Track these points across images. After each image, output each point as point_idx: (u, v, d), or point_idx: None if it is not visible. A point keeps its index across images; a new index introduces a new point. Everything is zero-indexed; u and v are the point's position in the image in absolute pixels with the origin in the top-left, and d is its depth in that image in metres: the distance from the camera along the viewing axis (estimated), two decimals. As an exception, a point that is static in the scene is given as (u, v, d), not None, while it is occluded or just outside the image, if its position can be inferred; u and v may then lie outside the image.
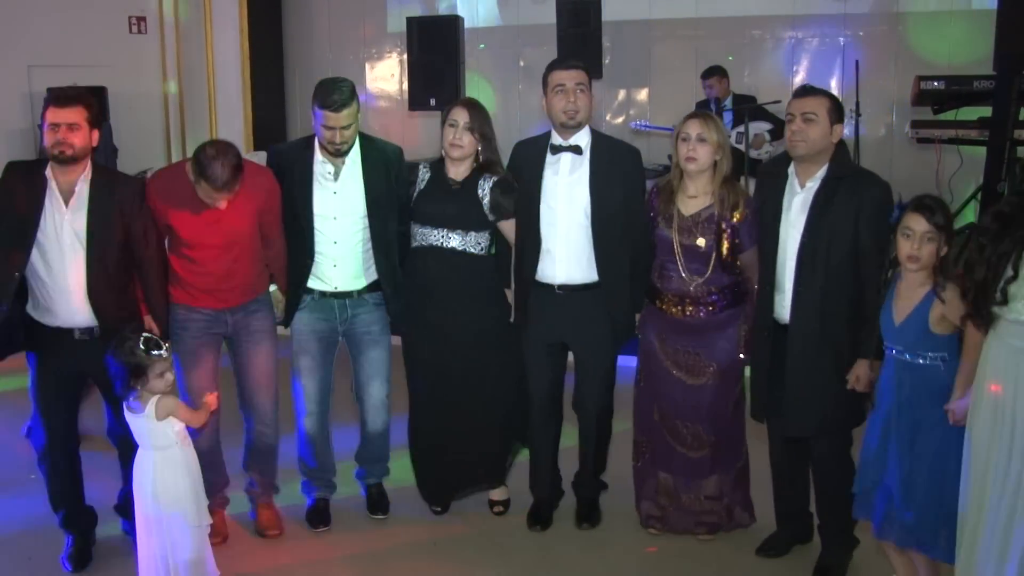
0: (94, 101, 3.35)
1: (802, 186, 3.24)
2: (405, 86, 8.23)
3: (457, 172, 3.63)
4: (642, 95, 8.64)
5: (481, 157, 3.61)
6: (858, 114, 7.34)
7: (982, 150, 6.37)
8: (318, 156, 3.58)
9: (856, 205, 3.12)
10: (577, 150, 3.55)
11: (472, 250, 3.61)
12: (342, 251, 3.60)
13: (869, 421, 3.08)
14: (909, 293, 2.93)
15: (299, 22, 9.37)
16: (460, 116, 3.57)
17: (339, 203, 3.57)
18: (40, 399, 3.41)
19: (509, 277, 3.74)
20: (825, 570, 3.39)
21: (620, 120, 8.60)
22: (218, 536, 3.60)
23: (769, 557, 3.53)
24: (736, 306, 3.49)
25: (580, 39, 7.42)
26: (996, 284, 2.60)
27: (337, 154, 3.54)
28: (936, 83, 6.81)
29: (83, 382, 3.50)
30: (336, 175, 3.57)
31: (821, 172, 3.21)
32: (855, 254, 3.14)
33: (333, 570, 3.55)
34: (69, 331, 3.33)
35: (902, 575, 3.15)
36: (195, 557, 3.07)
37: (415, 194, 3.65)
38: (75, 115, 3.24)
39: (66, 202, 3.28)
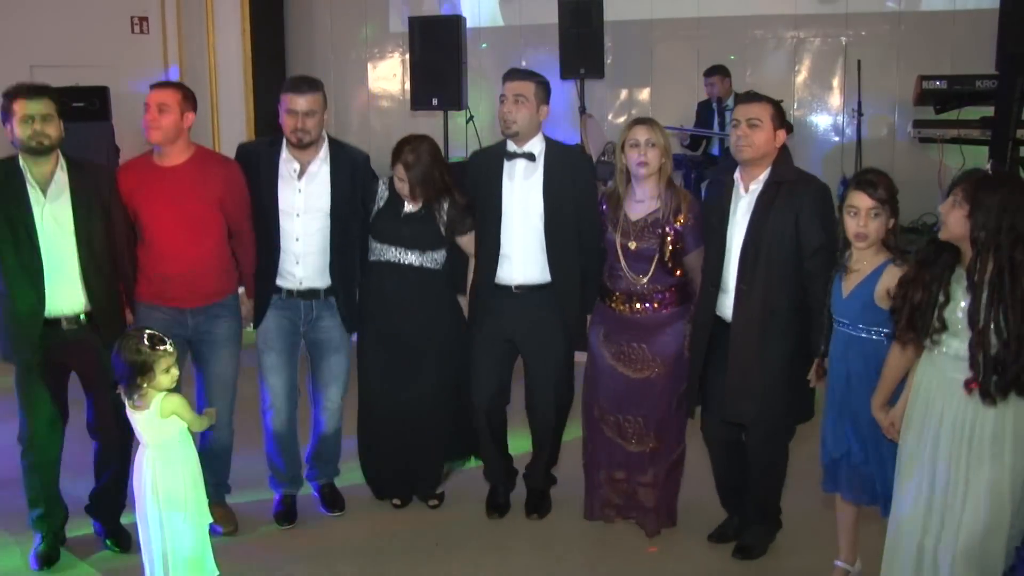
0: (57, 93, 3.38)
1: (746, 190, 3.34)
2: (407, 86, 8.24)
3: (413, 202, 3.70)
4: (644, 95, 8.65)
5: (436, 183, 3.65)
6: (860, 114, 7.35)
7: (984, 150, 6.37)
8: (284, 154, 3.66)
9: (796, 207, 3.22)
10: (530, 157, 3.65)
11: (429, 266, 3.71)
12: (304, 248, 3.65)
13: (826, 396, 3.16)
14: (859, 267, 3.00)
15: (301, 22, 9.39)
16: (401, 174, 3.63)
17: (303, 200, 3.63)
18: (24, 393, 3.41)
19: (462, 285, 3.82)
20: (746, 549, 3.51)
21: (622, 120, 8.61)
22: (230, 525, 3.72)
23: (721, 543, 3.61)
24: (682, 304, 3.59)
25: (582, 39, 7.44)
26: (932, 310, 2.64)
27: (300, 145, 3.59)
28: (938, 83, 6.81)
29: (67, 375, 3.50)
30: (300, 173, 3.63)
31: (764, 175, 3.31)
32: (796, 252, 3.23)
33: (336, 566, 3.55)
34: (56, 320, 3.35)
35: (846, 537, 3.25)
36: (195, 555, 3.06)
37: (374, 211, 3.73)
38: (47, 106, 3.28)
39: (43, 192, 3.30)
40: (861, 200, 2.95)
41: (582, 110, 7.57)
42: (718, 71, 7.50)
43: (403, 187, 3.65)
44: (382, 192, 3.75)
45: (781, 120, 3.33)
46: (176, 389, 3.07)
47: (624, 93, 8.69)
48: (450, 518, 3.90)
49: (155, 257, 3.49)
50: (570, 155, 3.76)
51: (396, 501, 3.97)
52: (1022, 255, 2.49)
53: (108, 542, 3.63)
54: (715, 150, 7.69)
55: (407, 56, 7.99)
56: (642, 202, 3.54)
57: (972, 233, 2.54)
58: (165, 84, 3.56)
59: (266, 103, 8.91)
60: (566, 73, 7.59)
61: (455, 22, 7.54)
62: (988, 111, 6.54)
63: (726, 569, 3.49)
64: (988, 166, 2.67)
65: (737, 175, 3.38)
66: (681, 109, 7.94)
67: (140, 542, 3.09)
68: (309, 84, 3.61)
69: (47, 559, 3.50)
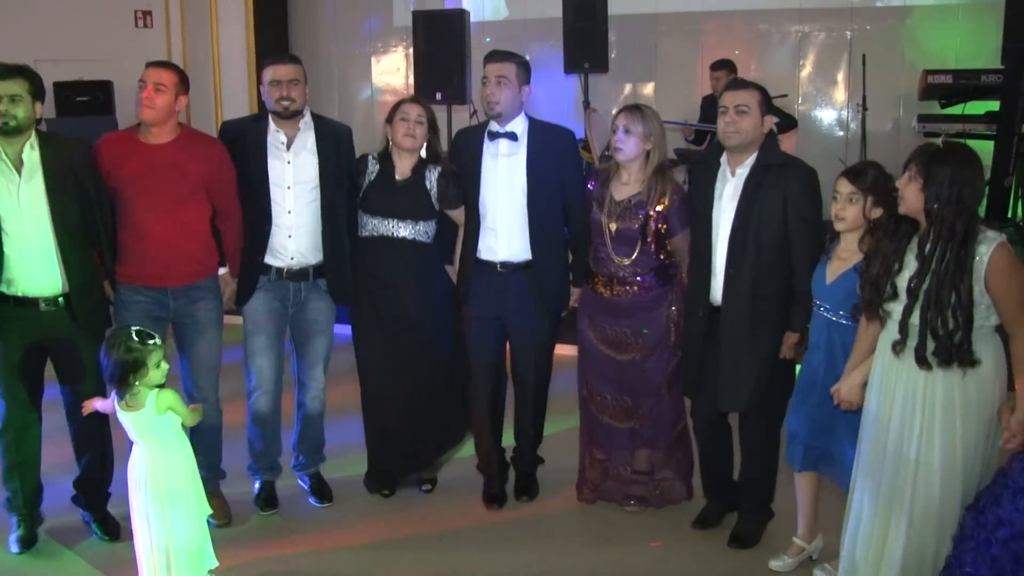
0: (37, 75, 3.36)
1: (733, 174, 3.39)
2: (411, 80, 8.23)
3: (404, 166, 3.76)
4: (648, 89, 8.63)
5: (427, 150, 3.77)
6: (865, 108, 7.33)
7: (989, 144, 6.36)
8: (271, 126, 3.69)
9: (783, 190, 3.28)
10: (512, 136, 3.72)
11: (420, 239, 3.76)
12: (296, 221, 3.68)
13: (801, 367, 3.27)
14: (844, 255, 3.10)
15: (304, 15, 9.38)
16: (412, 110, 3.74)
17: (293, 172, 3.67)
18: (2, 372, 3.41)
19: (451, 254, 3.88)
20: (741, 537, 3.56)
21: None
22: (224, 517, 3.71)
23: (705, 529, 3.67)
24: (664, 286, 3.65)
25: (586, 33, 7.42)
26: (888, 279, 2.73)
27: (285, 114, 3.63)
28: (944, 77, 6.80)
29: (44, 359, 3.50)
30: (288, 144, 3.67)
31: (751, 160, 3.37)
32: (785, 237, 3.29)
33: (339, 560, 3.55)
34: (34, 301, 3.34)
35: (805, 515, 3.38)
36: (195, 547, 3.06)
37: (364, 185, 3.77)
38: (17, 87, 3.26)
39: (17, 171, 3.29)
40: (843, 186, 3.08)
41: (586, 104, 7.55)
42: (724, 65, 7.48)
43: (405, 126, 3.69)
44: (372, 167, 3.79)
45: (768, 107, 3.40)
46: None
47: (628, 87, 8.67)
48: (450, 511, 3.91)
49: (135, 234, 3.49)
50: (554, 133, 3.80)
51: (385, 491, 4.00)
52: (963, 227, 2.60)
53: (97, 530, 3.64)
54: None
55: (411, 50, 7.98)
56: (627, 184, 3.63)
57: (926, 205, 2.64)
58: (164, 64, 3.56)
59: (270, 97, 8.91)
60: (570, 67, 7.58)
61: (459, 16, 7.53)
62: (993, 105, 6.53)
63: (727, 561, 3.50)
64: (940, 140, 2.74)
65: (724, 159, 3.43)
66: (685, 103, 7.93)
67: (135, 538, 3.08)
68: (290, 56, 3.78)
69: (26, 542, 3.52)
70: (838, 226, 3.09)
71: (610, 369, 3.72)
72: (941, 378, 2.67)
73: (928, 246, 2.64)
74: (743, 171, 3.35)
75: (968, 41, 7.47)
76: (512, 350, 3.90)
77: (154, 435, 3.01)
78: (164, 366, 2.99)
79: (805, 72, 8.17)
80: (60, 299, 3.37)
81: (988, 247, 2.60)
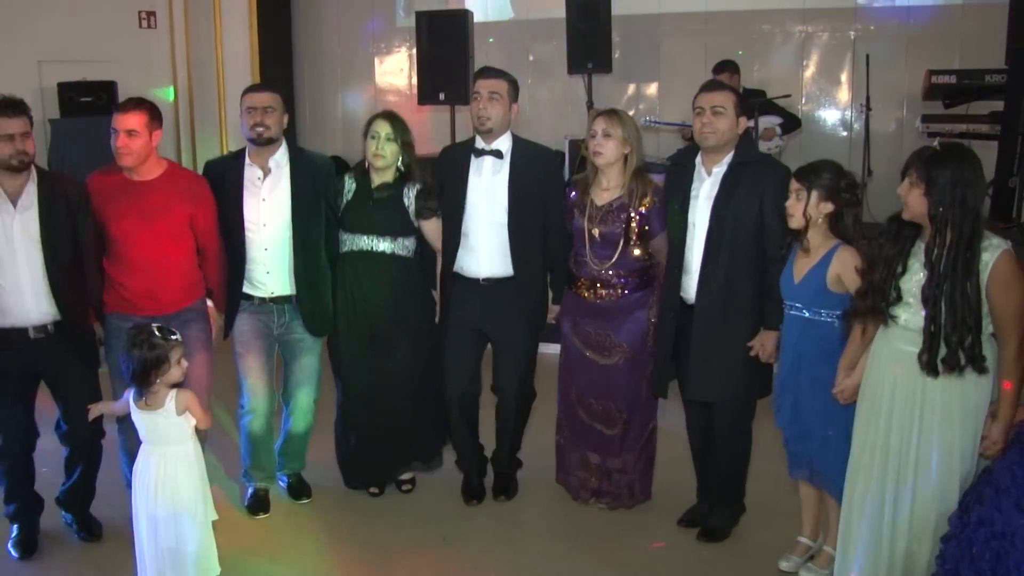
0: (29, 108, 3.41)
1: (708, 173, 3.44)
2: (414, 80, 8.23)
3: (382, 181, 3.78)
4: (651, 89, 8.63)
5: (403, 164, 3.77)
6: (868, 108, 7.31)
7: (993, 145, 6.35)
8: (247, 162, 3.72)
9: (759, 189, 3.33)
10: (498, 154, 3.75)
11: (401, 253, 3.78)
12: (273, 257, 3.71)
13: (777, 368, 3.31)
14: (810, 252, 3.12)
15: (308, 16, 9.39)
16: (381, 128, 3.74)
17: (268, 210, 3.69)
18: None
19: (434, 278, 3.91)
20: (711, 532, 3.61)
21: (630, 115, 8.58)
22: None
23: (690, 527, 3.69)
24: (645, 289, 3.68)
25: (589, 33, 7.41)
26: (891, 282, 2.73)
27: (260, 141, 3.66)
28: (947, 77, 6.78)
29: (37, 381, 3.53)
30: (263, 179, 3.68)
31: (726, 159, 3.41)
32: (760, 235, 3.34)
33: (339, 561, 3.56)
34: (23, 330, 3.36)
35: (809, 514, 3.40)
36: (201, 551, 3.06)
37: (342, 204, 3.79)
38: (24, 125, 3.30)
39: (13, 203, 3.32)
40: (792, 183, 3.14)
41: (589, 105, 7.54)
42: (727, 67, 7.45)
43: (374, 144, 3.70)
44: (349, 185, 3.80)
45: (743, 108, 3.44)
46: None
47: (632, 88, 8.66)
48: (450, 511, 3.92)
49: (123, 270, 3.52)
50: (536, 152, 3.85)
51: (374, 490, 4.03)
52: (970, 228, 2.58)
53: (79, 531, 3.67)
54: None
55: (414, 51, 7.98)
56: (607, 190, 3.67)
57: (930, 211, 2.63)
58: (130, 107, 3.51)
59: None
60: (573, 68, 7.57)
61: (462, 16, 7.53)
62: (997, 105, 6.51)
63: (730, 562, 3.49)
64: (936, 143, 2.73)
65: (699, 159, 3.48)
66: (689, 104, 7.88)
67: (136, 540, 3.08)
68: (267, 85, 3.91)
69: (25, 548, 3.55)
70: (791, 223, 3.14)
71: (595, 374, 3.74)
72: (940, 385, 2.66)
73: (935, 251, 2.62)
74: (719, 170, 3.40)
75: (972, 41, 7.45)
76: (495, 359, 3.91)
77: (169, 436, 3.02)
78: (184, 363, 3.01)
79: (808, 72, 8.16)
80: (50, 326, 3.38)
81: (992, 253, 2.60)
